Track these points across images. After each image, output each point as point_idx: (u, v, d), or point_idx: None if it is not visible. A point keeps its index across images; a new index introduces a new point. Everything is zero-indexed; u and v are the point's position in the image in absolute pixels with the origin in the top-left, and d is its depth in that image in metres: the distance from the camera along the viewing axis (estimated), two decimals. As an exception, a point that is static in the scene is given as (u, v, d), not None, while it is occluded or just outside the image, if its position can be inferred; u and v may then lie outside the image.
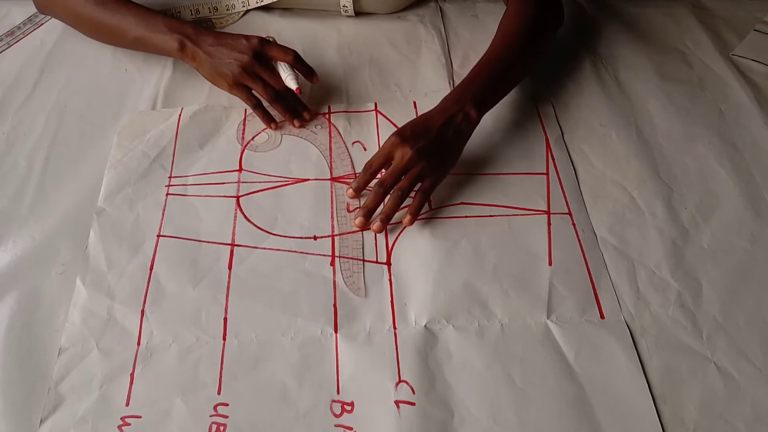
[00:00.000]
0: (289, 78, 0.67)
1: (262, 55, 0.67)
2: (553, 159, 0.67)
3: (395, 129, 0.62)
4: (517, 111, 0.72)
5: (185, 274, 0.57)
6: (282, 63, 0.68)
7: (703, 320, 0.55)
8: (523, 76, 0.72)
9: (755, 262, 0.59)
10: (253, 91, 0.67)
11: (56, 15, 0.77)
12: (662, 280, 0.58)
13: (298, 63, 0.67)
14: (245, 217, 0.62)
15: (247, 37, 0.67)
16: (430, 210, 0.62)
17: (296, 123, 0.69)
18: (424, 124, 0.62)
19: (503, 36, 0.70)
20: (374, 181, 0.61)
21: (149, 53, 0.74)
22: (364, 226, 0.60)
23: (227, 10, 0.83)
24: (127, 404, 0.49)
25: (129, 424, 0.48)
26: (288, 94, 0.68)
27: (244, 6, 0.84)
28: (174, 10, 0.80)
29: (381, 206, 0.60)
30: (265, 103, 0.68)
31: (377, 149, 0.64)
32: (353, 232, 0.60)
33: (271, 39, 0.69)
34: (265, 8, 0.85)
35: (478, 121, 0.64)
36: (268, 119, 0.68)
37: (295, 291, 0.56)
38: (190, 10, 0.81)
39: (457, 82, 0.75)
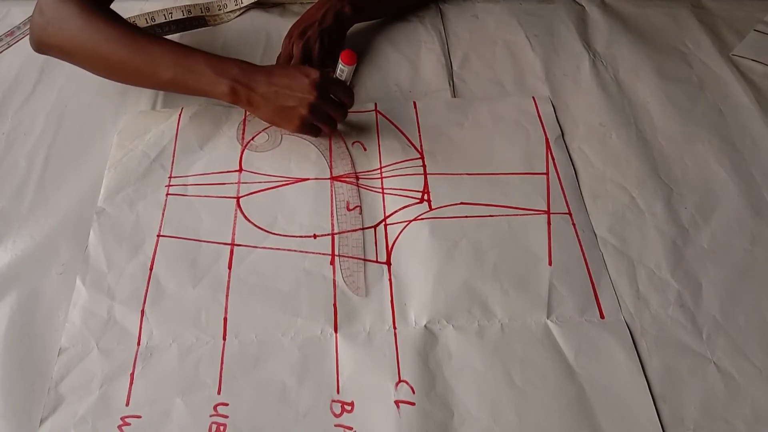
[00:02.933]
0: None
1: (325, 89, 0.62)
2: (553, 159, 0.67)
3: (395, 129, 0.62)
4: (517, 111, 0.72)
5: (185, 274, 0.57)
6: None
7: (703, 320, 0.55)
8: (402, 4, 0.83)
9: (755, 262, 0.59)
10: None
11: (61, 55, 0.64)
12: (662, 280, 0.58)
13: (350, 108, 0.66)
14: (245, 216, 0.62)
15: (305, 72, 0.61)
16: (430, 210, 0.62)
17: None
18: (307, 19, 0.72)
19: None
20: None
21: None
22: None
23: (219, 9, 0.83)
24: (127, 404, 0.49)
25: (129, 424, 0.48)
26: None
27: (237, 5, 0.84)
28: (166, 12, 0.80)
29: (379, 205, 0.60)
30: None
31: (377, 150, 0.64)
32: (353, 231, 0.60)
33: (338, 75, 0.68)
34: (265, 8, 0.85)
35: (353, 20, 0.74)
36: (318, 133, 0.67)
37: (295, 290, 0.56)
38: (182, 10, 0.81)
39: (458, 82, 0.76)
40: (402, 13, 0.85)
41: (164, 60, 0.60)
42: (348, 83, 0.66)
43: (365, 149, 0.68)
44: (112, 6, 0.67)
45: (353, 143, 0.68)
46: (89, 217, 0.61)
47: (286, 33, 0.77)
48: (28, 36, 0.81)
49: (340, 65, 0.65)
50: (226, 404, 0.49)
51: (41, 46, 0.64)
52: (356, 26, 0.80)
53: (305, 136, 0.68)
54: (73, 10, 0.61)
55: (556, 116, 0.72)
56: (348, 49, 0.64)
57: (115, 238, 0.59)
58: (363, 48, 0.80)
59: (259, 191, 0.64)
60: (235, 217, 0.61)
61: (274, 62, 0.76)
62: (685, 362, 0.52)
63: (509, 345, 0.53)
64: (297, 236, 0.60)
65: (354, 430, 0.48)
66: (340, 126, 0.70)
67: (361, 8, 0.75)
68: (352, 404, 0.50)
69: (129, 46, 0.60)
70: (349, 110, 0.66)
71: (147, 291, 0.56)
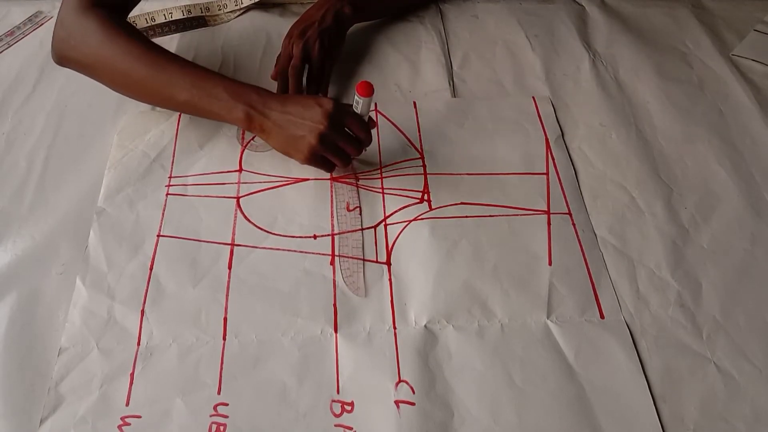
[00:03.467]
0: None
1: (338, 120, 0.59)
2: (553, 159, 0.67)
3: (395, 129, 0.62)
4: (517, 111, 0.72)
5: (185, 274, 0.57)
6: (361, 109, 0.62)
7: (703, 320, 0.55)
8: (402, 4, 0.84)
9: (755, 262, 0.59)
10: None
11: (81, 69, 0.64)
12: (662, 280, 0.58)
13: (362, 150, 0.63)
14: (245, 216, 0.62)
15: (318, 102, 0.59)
16: (429, 210, 0.62)
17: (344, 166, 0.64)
18: (306, 19, 0.72)
19: None
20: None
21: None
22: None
23: (219, 9, 0.83)
24: (127, 404, 0.49)
25: (129, 424, 0.48)
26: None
27: (236, 5, 0.84)
28: (166, 12, 0.80)
29: (380, 207, 0.60)
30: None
31: (377, 150, 0.64)
32: (353, 231, 0.60)
33: (354, 107, 0.62)
34: (264, 8, 0.85)
35: (353, 20, 0.74)
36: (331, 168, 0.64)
37: (295, 291, 0.56)
38: (182, 10, 0.81)
39: (458, 82, 0.76)
40: (402, 13, 0.85)
41: (182, 81, 0.60)
42: (366, 118, 0.62)
43: (365, 149, 0.68)
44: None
45: (353, 143, 0.68)
46: (89, 217, 0.61)
47: (286, 33, 0.77)
48: (28, 36, 0.82)
49: (356, 97, 0.60)
50: (226, 404, 0.49)
51: (62, 60, 0.64)
52: (356, 26, 0.80)
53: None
54: (94, 25, 0.60)
55: (556, 116, 0.72)
56: (364, 81, 0.59)
57: (115, 238, 0.59)
58: (363, 48, 0.80)
59: (259, 191, 0.64)
60: (235, 217, 0.61)
61: (274, 62, 0.76)
62: (685, 362, 0.52)
63: (509, 345, 0.53)
64: (297, 236, 0.60)
65: (354, 430, 0.48)
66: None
67: (360, 8, 0.75)
68: (352, 404, 0.50)
69: (148, 64, 0.60)
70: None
71: (147, 291, 0.56)
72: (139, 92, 0.63)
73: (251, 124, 0.60)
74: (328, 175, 0.65)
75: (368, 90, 0.59)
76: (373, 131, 0.69)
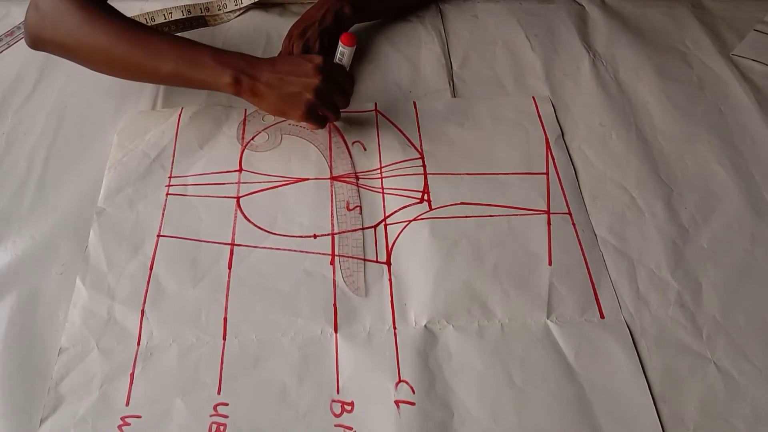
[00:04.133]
0: None
1: (330, 74, 0.60)
2: (553, 159, 0.67)
3: (395, 129, 0.62)
4: (517, 111, 0.72)
5: (185, 274, 0.57)
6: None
7: (703, 320, 0.55)
8: (402, 4, 0.84)
9: (755, 262, 0.59)
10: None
11: (58, 50, 0.63)
12: (662, 280, 0.58)
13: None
14: (245, 216, 0.62)
15: (308, 58, 0.60)
16: (429, 210, 0.62)
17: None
18: (306, 19, 0.71)
19: None
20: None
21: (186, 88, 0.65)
22: None
23: (219, 9, 0.83)
24: (127, 404, 0.49)
25: (129, 424, 0.48)
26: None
27: (236, 5, 0.84)
28: (166, 12, 0.80)
29: (380, 207, 0.60)
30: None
31: (377, 150, 0.64)
32: (353, 230, 0.60)
33: (338, 59, 0.66)
34: (264, 7, 0.85)
35: (353, 20, 0.73)
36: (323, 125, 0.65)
37: (295, 290, 0.56)
38: (182, 11, 0.81)
39: (458, 82, 0.76)
40: (402, 13, 0.85)
41: (166, 52, 0.59)
42: (348, 68, 0.65)
43: (365, 149, 0.68)
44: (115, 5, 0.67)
45: (353, 143, 0.68)
46: (89, 217, 0.61)
47: (286, 33, 0.77)
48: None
49: (341, 47, 0.64)
50: (226, 404, 0.49)
51: (37, 42, 0.64)
52: (356, 26, 0.80)
53: (306, 135, 0.68)
54: (71, 7, 0.60)
55: (556, 116, 0.72)
56: (347, 32, 0.64)
57: (115, 238, 0.59)
58: (363, 48, 0.80)
59: (259, 191, 0.64)
60: (235, 217, 0.61)
61: (274, 62, 0.77)
62: (685, 362, 0.52)
63: (509, 345, 0.53)
64: (297, 236, 0.60)
65: (354, 430, 0.48)
66: (340, 126, 0.70)
67: (360, 8, 0.75)
68: (352, 404, 0.50)
69: (130, 40, 0.60)
70: (348, 109, 0.66)
71: (147, 291, 0.56)
72: (121, 69, 0.63)
73: (240, 88, 0.60)
74: (328, 175, 0.65)
75: (352, 40, 0.65)
76: (373, 131, 0.70)
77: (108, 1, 0.66)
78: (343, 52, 0.65)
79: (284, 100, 0.60)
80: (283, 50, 0.72)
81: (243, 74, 0.59)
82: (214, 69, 0.59)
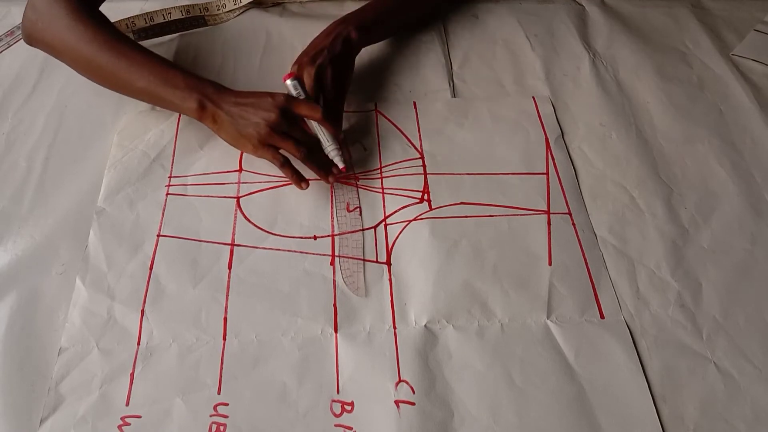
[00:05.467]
0: (333, 152, 0.62)
1: (289, 112, 0.60)
2: (553, 159, 0.67)
3: (395, 129, 0.61)
4: (517, 111, 0.72)
5: (185, 273, 0.57)
6: (322, 130, 0.62)
7: (703, 320, 0.55)
8: (407, 25, 0.82)
9: (755, 262, 0.59)
10: (281, 150, 0.61)
11: (49, 50, 0.66)
12: (662, 280, 0.58)
13: (326, 120, 0.61)
14: (245, 217, 0.62)
15: (271, 95, 0.60)
16: (430, 210, 0.62)
17: (330, 179, 0.63)
18: (315, 46, 0.69)
19: None
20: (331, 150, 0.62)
21: (155, 105, 0.67)
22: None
23: (218, 9, 0.83)
24: (127, 404, 0.49)
25: (129, 424, 0.48)
26: (317, 148, 0.63)
27: (235, 4, 0.84)
28: (165, 12, 0.80)
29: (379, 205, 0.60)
30: (294, 161, 0.62)
31: (377, 150, 0.64)
32: (353, 231, 0.60)
33: (297, 94, 0.62)
34: (264, 7, 0.85)
35: (360, 44, 0.71)
36: (299, 178, 0.61)
37: (295, 291, 0.56)
38: (181, 10, 0.81)
39: (458, 82, 0.76)
40: (407, 32, 0.82)
41: (141, 68, 0.61)
42: (340, 158, 0.61)
43: (365, 149, 0.68)
44: (107, 6, 0.68)
45: (353, 143, 0.68)
46: (89, 217, 0.61)
47: (285, 33, 0.77)
48: (28, 36, 0.82)
49: (287, 84, 0.62)
50: (226, 404, 0.49)
51: (31, 40, 0.67)
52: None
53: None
54: (62, 11, 0.62)
55: (556, 116, 0.72)
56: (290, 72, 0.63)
57: (115, 237, 0.59)
58: (363, 48, 0.80)
59: (259, 191, 0.64)
60: (235, 217, 0.61)
61: (273, 63, 0.76)
62: (685, 362, 0.52)
63: (509, 345, 0.53)
64: (297, 237, 0.60)
65: (354, 430, 0.48)
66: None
67: (366, 32, 0.72)
68: (352, 404, 0.50)
69: (109, 51, 0.62)
70: (348, 109, 0.64)
71: (147, 291, 0.56)
72: (99, 77, 0.65)
73: (203, 114, 0.61)
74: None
75: (288, 75, 0.62)
76: (373, 131, 0.70)
77: (109, 1, 0.66)
78: (296, 86, 0.62)
79: (240, 131, 0.60)
80: None
81: (208, 100, 0.61)
82: (182, 92, 0.61)
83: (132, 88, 0.63)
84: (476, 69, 0.78)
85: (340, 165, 0.62)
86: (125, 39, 0.63)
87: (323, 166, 0.62)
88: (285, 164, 0.61)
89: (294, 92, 0.62)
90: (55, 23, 0.63)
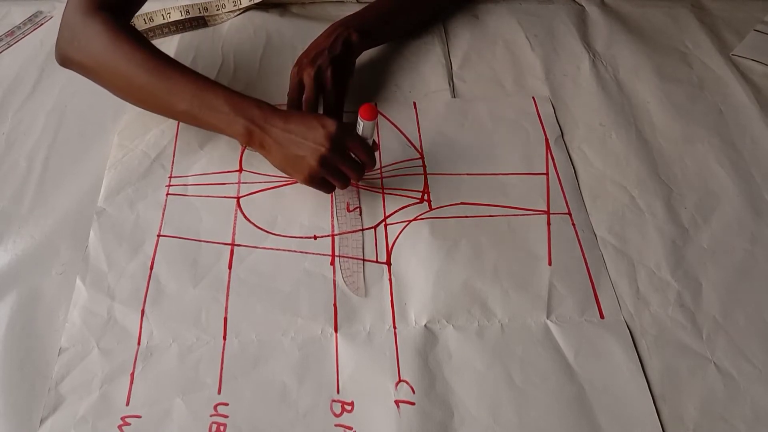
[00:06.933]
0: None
1: (341, 143, 0.57)
2: (553, 159, 0.67)
3: (395, 129, 0.61)
4: (517, 111, 0.72)
5: (185, 273, 0.57)
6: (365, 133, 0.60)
7: (703, 320, 0.55)
8: (408, 27, 0.82)
9: (755, 262, 0.59)
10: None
11: (84, 71, 0.63)
12: (662, 280, 0.58)
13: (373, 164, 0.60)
14: (245, 216, 0.62)
15: (322, 122, 0.56)
16: (430, 210, 0.62)
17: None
18: (316, 47, 0.68)
19: None
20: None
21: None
22: None
23: (218, 9, 0.83)
24: (127, 404, 0.49)
25: (129, 424, 0.48)
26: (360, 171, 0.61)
27: (235, 5, 0.84)
28: (164, 12, 0.80)
29: (379, 204, 0.60)
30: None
31: (377, 150, 0.64)
32: (353, 231, 0.61)
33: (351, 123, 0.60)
34: (264, 8, 0.85)
35: (361, 46, 0.71)
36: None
37: (295, 291, 0.56)
38: (180, 11, 0.81)
39: (458, 82, 0.76)
40: (409, 34, 0.82)
41: (183, 90, 0.58)
42: (371, 141, 0.60)
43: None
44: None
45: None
46: (89, 217, 0.61)
47: (285, 33, 0.77)
48: (28, 36, 0.82)
49: (359, 120, 0.58)
50: (226, 404, 0.49)
51: (65, 61, 0.63)
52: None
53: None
54: (98, 28, 0.59)
55: (556, 116, 0.72)
56: (368, 104, 0.57)
57: (115, 238, 0.59)
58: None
59: (259, 191, 0.64)
60: (235, 217, 0.61)
61: (273, 63, 0.76)
62: (685, 362, 0.52)
63: (509, 345, 0.53)
64: (297, 237, 0.60)
65: (354, 430, 0.48)
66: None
67: (367, 33, 0.72)
68: (352, 404, 0.50)
69: (149, 71, 0.59)
70: (348, 110, 0.64)
71: (147, 291, 0.56)
72: (139, 99, 0.62)
73: (251, 139, 0.58)
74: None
75: (371, 114, 0.57)
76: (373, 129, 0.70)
77: None
78: (361, 124, 0.58)
79: (289, 161, 0.58)
80: (291, 79, 0.67)
81: (255, 126, 0.57)
82: (227, 116, 0.58)
83: (174, 111, 0.60)
84: (476, 69, 0.78)
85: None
86: (164, 57, 0.60)
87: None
88: (331, 191, 0.61)
89: (357, 128, 0.59)
90: (91, 42, 0.60)
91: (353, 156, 0.59)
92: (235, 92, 0.59)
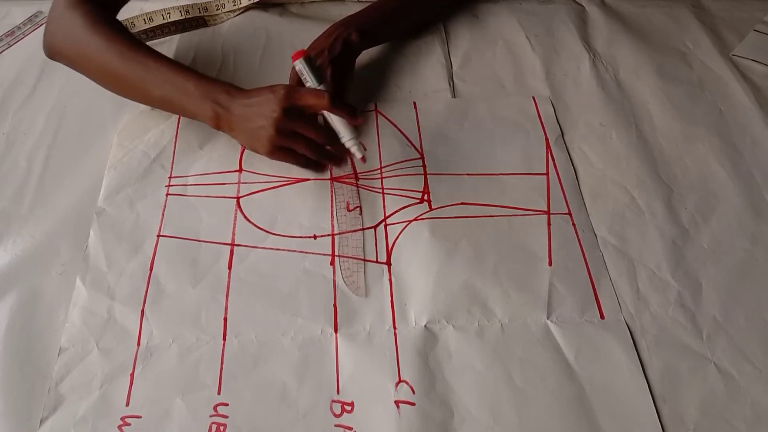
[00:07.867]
0: (350, 142, 0.59)
1: (293, 106, 0.56)
2: (553, 159, 0.67)
3: (395, 129, 0.61)
4: (517, 111, 0.72)
5: (185, 274, 0.57)
6: (333, 117, 0.59)
7: (703, 320, 0.55)
8: (408, 27, 0.81)
9: (755, 262, 0.59)
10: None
11: (69, 63, 0.65)
12: (662, 280, 0.58)
13: (335, 107, 0.57)
14: (245, 216, 0.62)
15: (272, 89, 0.56)
16: (430, 210, 0.62)
17: (340, 164, 0.63)
18: (316, 47, 0.68)
19: None
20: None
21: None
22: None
23: (217, 9, 0.83)
24: (127, 404, 0.49)
25: (129, 424, 0.48)
26: (331, 138, 0.60)
27: (235, 5, 0.84)
28: (164, 12, 0.80)
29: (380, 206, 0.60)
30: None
31: (377, 150, 0.64)
32: (353, 231, 0.60)
33: (304, 80, 0.59)
34: (264, 7, 0.85)
35: (361, 46, 0.71)
36: (333, 163, 0.61)
37: (295, 291, 0.56)
38: (180, 11, 0.81)
39: (458, 82, 0.76)
40: (409, 34, 0.82)
41: (157, 77, 0.59)
42: (358, 149, 0.58)
43: (365, 149, 0.68)
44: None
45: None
46: (89, 217, 0.61)
47: (285, 33, 0.77)
48: (28, 36, 0.82)
49: (295, 66, 0.58)
50: (226, 404, 0.49)
51: (52, 53, 0.65)
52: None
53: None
54: (80, 21, 0.61)
55: (556, 116, 0.72)
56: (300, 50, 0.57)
57: (115, 238, 0.59)
58: (363, 48, 0.80)
59: (259, 191, 0.64)
60: (235, 217, 0.61)
61: (273, 63, 0.76)
62: (685, 362, 0.52)
63: (509, 345, 0.53)
64: (297, 237, 0.60)
65: (354, 430, 0.48)
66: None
67: (367, 34, 0.72)
68: (352, 404, 0.50)
69: (127, 60, 0.60)
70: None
71: (147, 291, 0.56)
72: (119, 88, 0.63)
73: (219, 122, 0.59)
74: (328, 176, 0.65)
75: (297, 54, 0.58)
76: (373, 131, 0.69)
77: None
78: (303, 73, 0.58)
79: (251, 135, 0.58)
80: (291, 79, 0.67)
81: (220, 107, 0.58)
82: (196, 100, 0.58)
83: (151, 97, 0.61)
84: (476, 69, 0.78)
85: (359, 155, 0.59)
86: (141, 46, 0.61)
87: (336, 158, 0.61)
88: (308, 164, 0.59)
89: (302, 77, 0.58)
90: (73, 34, 0.61)
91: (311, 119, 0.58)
92: (207, 77, 0.60)
